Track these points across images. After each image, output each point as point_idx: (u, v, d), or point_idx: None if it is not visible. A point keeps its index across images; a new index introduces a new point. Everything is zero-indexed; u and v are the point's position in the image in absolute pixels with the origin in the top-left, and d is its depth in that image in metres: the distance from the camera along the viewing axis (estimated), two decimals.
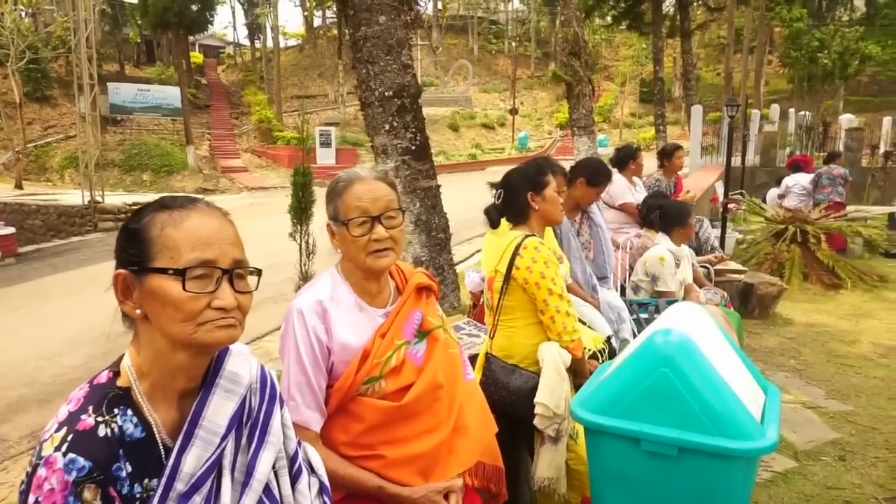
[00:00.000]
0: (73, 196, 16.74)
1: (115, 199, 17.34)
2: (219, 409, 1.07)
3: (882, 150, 15.74)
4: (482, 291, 2.81)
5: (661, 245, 3.93)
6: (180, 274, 0.98)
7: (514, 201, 2.45)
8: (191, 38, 32.74)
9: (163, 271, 0.99)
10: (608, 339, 2.94)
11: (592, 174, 3.52)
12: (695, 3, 20.96)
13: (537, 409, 2.22)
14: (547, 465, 2.27)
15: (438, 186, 5.20)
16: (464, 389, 1.72)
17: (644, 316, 3.59)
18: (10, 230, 12.47)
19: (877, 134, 17.47)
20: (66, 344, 6.63)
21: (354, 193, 1.54)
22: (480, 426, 1.73)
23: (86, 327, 6.78)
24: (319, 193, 5.65)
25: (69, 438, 0.94)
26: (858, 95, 31.90)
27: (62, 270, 10.97)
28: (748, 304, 5.71)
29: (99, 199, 16.13)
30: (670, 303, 3.64)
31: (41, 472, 0.92)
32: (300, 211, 4.93)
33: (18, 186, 19.76)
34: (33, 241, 14.54)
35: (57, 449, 0.93)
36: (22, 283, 10.15)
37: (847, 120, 16.97)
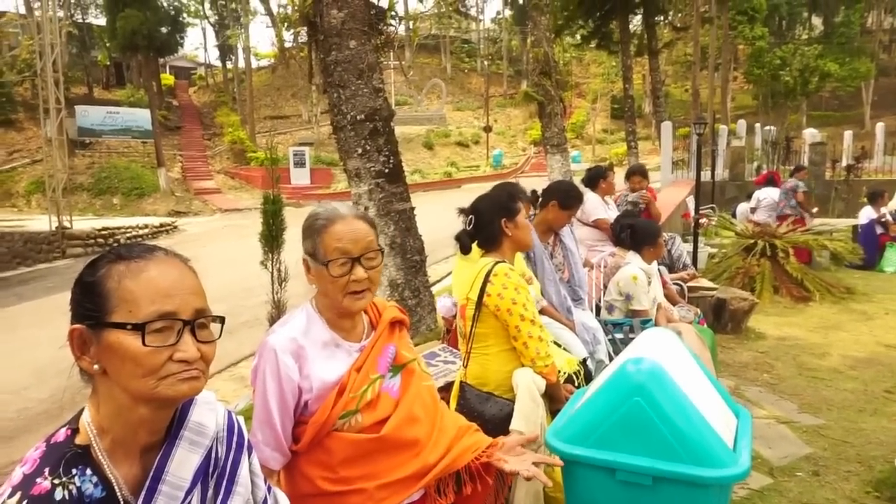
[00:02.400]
0: (39, 222, 16.36)
1: (84, 223, 16.98)
2: (183, 463, 1.04)
3: (844, 163, 16.20)
4: (454, 316, 2.80)
5: (632, 264, 3.98)
6: (139, 329, 0.95)
7: (486, 227, 2.46)
8: (161, 60, 32.50)
9: (121, 326, 0.95)
10: (583, 361, 2.95)
11: (565, 197, 3.55)
12: (661, 23, 21.48)
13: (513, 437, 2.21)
14: (524, 492, 2.24)
15: (412, 209, 5.20)
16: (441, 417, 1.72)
17: (619, 336, 3.61)
18: None
19: (839, 148, 17.99)
20: (33, 376, 6.43)
21: (335, 234, 1.53)
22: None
23: (53, 359, 6.56)
24: (293, 215, 5.65)
25: None
26: (820, 110, 32.92)
27: (28, 299, 10.67)
28: (721, 319, 5.78)
29: (67, 224, 15.77)
30: (644, 323, 3.68)
31: None
32: (271, 238, 4.89)
33: None
34: None
35: None
36: None
37: (810, 135, 17.46)
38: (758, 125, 19.37)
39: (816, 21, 38.79)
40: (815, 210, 9.82)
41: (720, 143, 16.66)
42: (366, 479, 1.54)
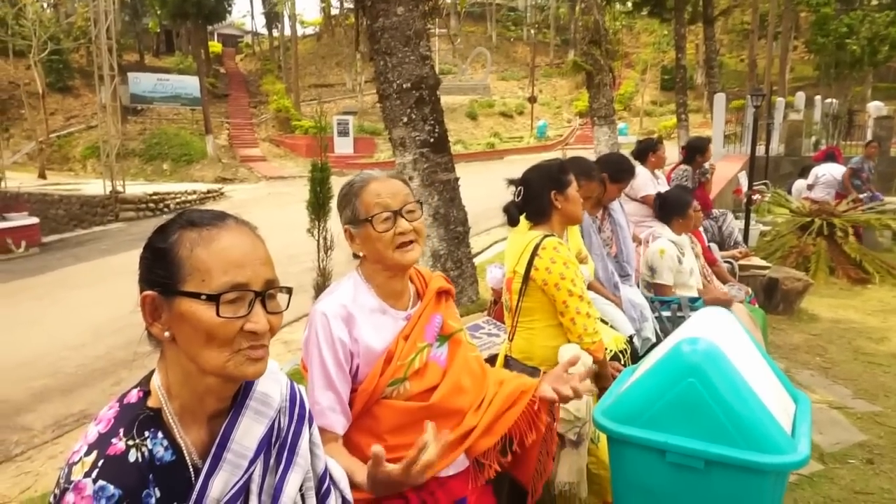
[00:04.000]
0: (94, 186, 16.95)
1: (136, 188, 17.53)
2: (248, 432, 1.05)
3: None
4: (503, 289, 2.77)
5: (663, 237, 3.82)
6: (213, 299, 0.95)
7: (535, 200, 2.40)
8: (209, 28, 32.85)
9: (195, 296, 0.95)
10: (630, 339, 2.89)
11: (616, 170, 3.45)
12: None
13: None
14: (567, 469, 2.23)
15: (457, 179, 5.15)
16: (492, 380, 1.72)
17: (667, 314, 3.52)
18: (34, 220, 12.67)
19: None
20: (89, 334, 6.73)
21: (373, 191, 1.55)
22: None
23: (108, 318, 6.87)
24: (336, 183, 5.65)
25: (100, 464, 0.92)
26: (888, 82, 31.05)
27: (84, 260, 11.12)
28: (773, 299, 5.59)
29: (120, 188, 16.31)
30: (693, 301, 3.57)
31: (69, 497, 0.90)
32: (318, 206, 4.92)
33: (42, 176, 20.09)
34: (56, 230, 14.77)
35: (87, 475, 0.91)
36: (45, 272, 10.31)
37: (876, 108, 16.51)
38: (818, 98, 18.39)
39: None
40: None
41: (776, 116, 15.93)
42: (410, 447, 1.55)
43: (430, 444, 1.30)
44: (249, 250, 1.01)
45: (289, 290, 1.06)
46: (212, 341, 0.96)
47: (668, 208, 3.91)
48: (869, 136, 13.84)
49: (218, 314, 0.95)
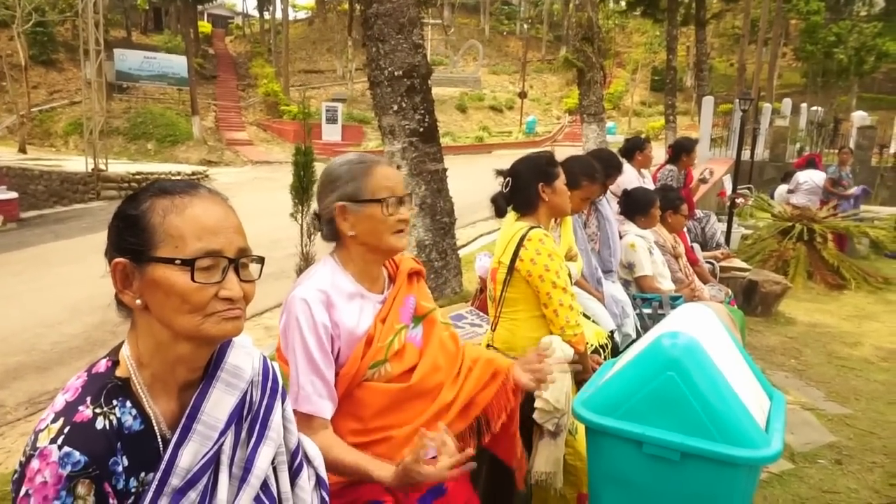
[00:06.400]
0: (76, 163, 16.65)
1: (119, 167, 17.26)
2: (218, 403, 1.04)
3: (892, 149, 15.58)
4: (488, 280, 2.78)
5: (630, 233, 3.85)
6: (188, 264, 0.94)
7: (523, 191, 2.41)
8: (199, 7, 32.38)
9: (169, 261, 0.94)
10: (611, 334, 2.92)
11: (603, 166, 3.45)
12: None
13: (537, 403, 2.19)
14: (545, 459, 2.25)
15: (445, 170, 5.14)
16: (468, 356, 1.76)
17: (647, 311, 3.55)
18: (13, 195, 12.43)
19: (889, 133, 17.28)
20: (66, 312, 6.64)
21: (382, 173, 1.57)
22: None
23: (86, 296, 6.77)
24: (322, 170, 5.63)
25: (66, 431, 0.91)
26: (872, 93, 31.53)
27: (64, 237, 10.95)
28: (751, 301, 5.67)
29: (102, 166, 16.04)
30: (674, 299, 3.61)
31: (34, 463, 0.89)
32: (301, 191, 4.88)
33: (22, 150, 19.66)
34: (36, 206, 14.49)
35: (52, 441, 0.90)
36: (23, 248, 10.13)
37: (860, 117, 16.76)
38: (804, 105, 18.61)
39: None
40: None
41: (763, 121, 16.11)
42: (392, 428, 1.57)
43: (446, 441, 1.38)
44: (222, 218, 1.00)
45: (261, 260, 1.06)
46: (185, 306, 0.95)
47: (631, 205, 3.94)
48: (852, 145, 14.06)
49: (193, 279, 0.94)
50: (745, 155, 11.28)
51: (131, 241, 0.96)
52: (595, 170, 3.02)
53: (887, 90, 31.91)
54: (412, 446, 1.37)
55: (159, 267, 0.95)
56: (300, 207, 5.00)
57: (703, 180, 6.04)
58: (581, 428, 2.11)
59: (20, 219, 12.48)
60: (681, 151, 5.69)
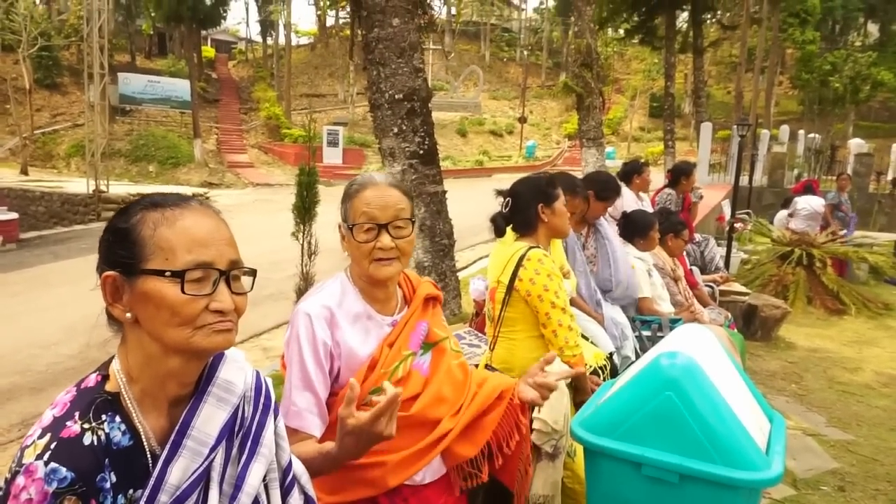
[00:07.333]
0: (77, 184, 16.74)
1: (120, 188, 17.34)
2: (209, 419, 1.02)
3: (890, 176, 15.68)
4: (486, 300, 2.77)
5: (629, 255, 3.84)
6: (178, 276, 0.93)
7: (522, 212, 2.42)
8: (203, 33, 32.82)
9: (159, 273, 0.94)
10: (610, 356, 2.90)
11: (602, 188, 3.48)
12: (708, 21, 20.96)
13: (535, 425, 2.17)
14: (543, 481, 2.21)
15: (444, 192, 5.17)
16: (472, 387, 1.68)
17: (647, 333, 3.53)
18: (13, 215, 12.45)
19: (886, 160, 17.41)
20: (63, 333, 6.60)
21: (364, 199, 1.50)
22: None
23: (83, 316, 6.74)
24: (324, 193, 5.66)
25: (52, 446, 0.89)
26: (869, 121, 31.86)
27: (63, 258, 10.94)
28: (751, 325, 5.65)
29: (104, 188, 16.13)
30: (674, 322, 3.59)
31: (20, 480, 0.87)
32: (304, 210, 4.90)
33: (24, 172, 19.78)
34: (36, 227, 14.53)
35: (38, 457, 0.88)
36: (22, 269, 10.12)
37: (857, 145, 16.93)
38: (801, 132, 18.80)
39: (872, 28, 37.42)
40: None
41: (761, 147, 16.26)
42: (387, 453, 1.52)
43: (387, 390, 1.24)
44: (213, 230, 0.99)
45: (253, 272, 1.05)
46: (176, 318, 0.94)
47: (630, 228, 3.95)
48: (850, 172, 14.15)
49: (183, 291, 0.93)
50: (744, 180, 11.36)
51: (121, 254, 0.96)
52: (576, 183, 3.02)
53: (883, 118, 32.24)
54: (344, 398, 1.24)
55: (149, 279, 0.94)
56: (302, 227, 5.01)
57: (699, 197, 6.07)
58: (580, 450, 2.09)
59: (20, 239, 12.48)
60: (680, 175, 5.72)
